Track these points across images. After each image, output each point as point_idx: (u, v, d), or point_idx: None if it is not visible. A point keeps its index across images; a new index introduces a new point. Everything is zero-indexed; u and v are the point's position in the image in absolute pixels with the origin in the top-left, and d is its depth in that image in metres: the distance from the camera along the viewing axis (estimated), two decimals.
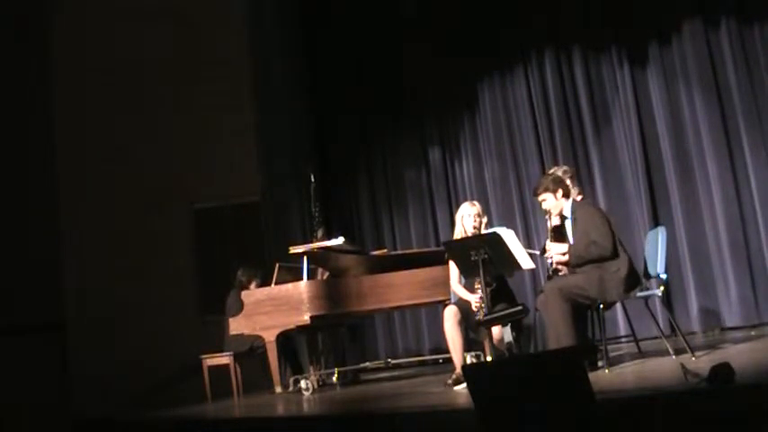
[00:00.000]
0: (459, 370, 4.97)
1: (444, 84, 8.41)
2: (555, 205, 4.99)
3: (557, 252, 4.93)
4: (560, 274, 5.03)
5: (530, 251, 6.14)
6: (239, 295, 6.89)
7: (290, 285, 6.22)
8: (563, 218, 5.04)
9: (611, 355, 5.41)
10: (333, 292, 6.19)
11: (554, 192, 4.98)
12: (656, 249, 5.19)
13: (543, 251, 5.22)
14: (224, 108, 8.61)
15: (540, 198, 5.04)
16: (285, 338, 6.64)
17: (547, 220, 5.26)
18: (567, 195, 5.01)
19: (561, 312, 4.66)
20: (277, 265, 6.64)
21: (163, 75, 8.72)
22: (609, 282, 4.77)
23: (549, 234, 5.12)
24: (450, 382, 5.00)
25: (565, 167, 5.53)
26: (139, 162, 8.61)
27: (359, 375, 7.28)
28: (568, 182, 5.19)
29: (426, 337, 8.20)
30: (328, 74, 8.87)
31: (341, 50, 8.78)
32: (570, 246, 4.90)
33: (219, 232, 8.78)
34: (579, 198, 5.28)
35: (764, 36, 7.05)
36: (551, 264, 4.99)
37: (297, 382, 6.45)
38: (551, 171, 5.50)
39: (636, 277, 4.92)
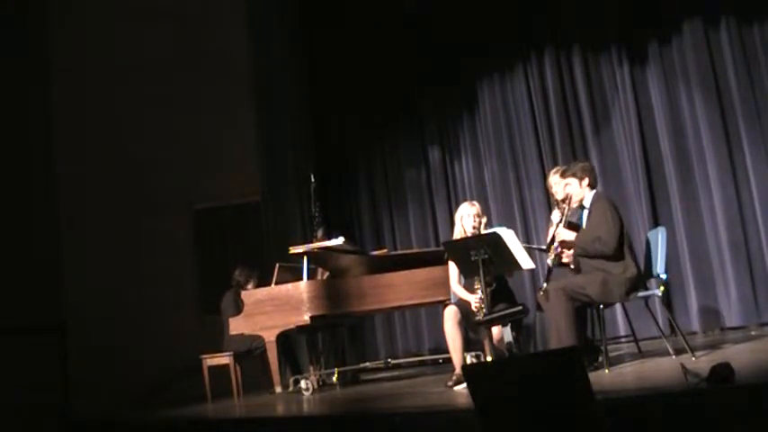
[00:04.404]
0: (458, 370, 4.97)
1: (444, 84, 8.41)
2: (578, 192, 5.02)
3: (564, 237, 4.95)
4: (564, 260, 5.04)
5: (532, 246, 6.16)
6: (236, 295, 6.90)
7: (290, 285, 6.22)
8: (581, 207, 5.05)
9: (611, 355, 5.41)
10: (333, 292, 6.19)
11: (581, 179, 5.01)
12: (656, 249, 5.19)
13: (549, 245, 5.23)
14: (224, 108, 8.61)
15: (566, 182, 5.06)
16: (284, 338, 6.64)
17: (555, 206, 5.27)
18: (591, 186, 5.04)
19: (564, 311, 4.66)
20: (277, 265, 6.63)
21: (163, 75, 8.72)
22: (612, 284, 4.77)
23: (555, 224, 5.14)
24: (450, 383, 5.00)
25: (584, 163, 5.49)
26: (139, 162, 8.60)
27: (359, 375, 7.27)
28: None
29: (426, 337, 8.20)
30: (328, 74, 8.87)
31: (341, 50, 8.77)
32: (578, 234, 4.92)
33: (219, 232, 8.78)
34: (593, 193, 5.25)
35: (764, 36, 7.06)
36: (558, 248, 5.01)
37: (297, 382, 6.45)
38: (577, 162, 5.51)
39: (640, 281, 4.92)
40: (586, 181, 5.02)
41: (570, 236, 4.95)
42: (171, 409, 6.34)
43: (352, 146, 8.87)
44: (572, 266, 5.10)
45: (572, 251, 5.00)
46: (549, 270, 5.07)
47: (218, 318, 7.07)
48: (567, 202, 5.06)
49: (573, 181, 5.03)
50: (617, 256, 4.80)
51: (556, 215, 5.32)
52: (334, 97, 8.86)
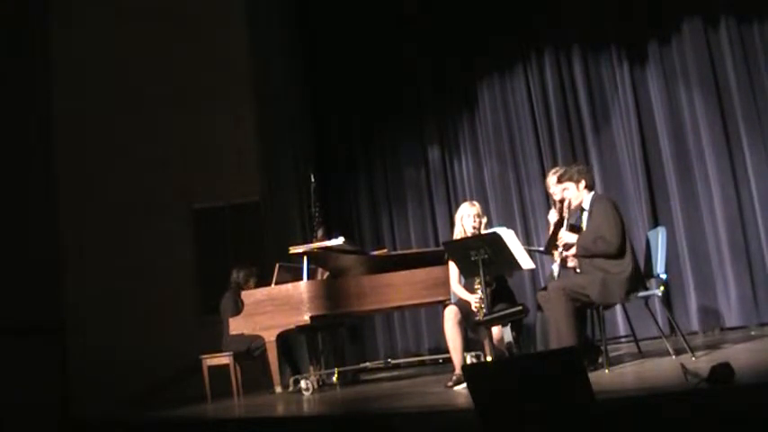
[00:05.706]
0: (458, 370, 4.97)
1: (444, 84, 8.41)
2: (576, 196, 5.02)
3: (567, 240, 4.95)
4: (569, 264, 5.04)
5: (531, 248, 6.16)
6: (236, 296, 6.89)
7: (290, 285, 6.22)
8: (581, 210, 5.05)
9: (611, 355, 5.41)
10: (333, 292, 6.18)
11: (577, 182, 5.02)
12: (656, 249, 5.19)
13: (548, 247, 5.22)
14: (224, 108, 8.61)
15: (562, 186, 5.07)
16: (284, 338, 6.63)
17: (552, 206, 5.26)
18: (589, 188, 5.04)
19: (564, 311, 4.67)
20: (277, 265, 6.63)
21: (163, 75, 8.72)
22: (611, 284, 4.77)
23: (553, 225, 5.14)
24: (450, 384, 5.00)
25: (580, 166, 5.49)
26: (139, 162, 8.60)
27: (359, 375, 7.27)
28: None
29: (426, 337, 8.20)
30: (328, 74, 8.87)
31: (341, 50, 8.78)
32: (580, 236, 4.92)
33: (219, 232, 8.78)
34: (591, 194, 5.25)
35: (764, 36, 7.06)
36: (561, 252, 5.01)
37: (297, 382, 6.45)
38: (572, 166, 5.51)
39: (639, 280, 4.92)
40: (583, 183, 5.02)
41: (572, 238, 4.95)
42: (171, 409, 6.34)
43: (352, 146, 8.87)
44: (578, 270, 5.10)
45: (573, 252, 5.00)
46: (561, 265, 5.05)
47: (218, 318, 7.07)
48: (567, 206, 5.07)
49: (570, 185, 5.04)
50: (619, 254, 4.80)
51: (552, 215, 5.32)
52: (334, 97, 8.87)
